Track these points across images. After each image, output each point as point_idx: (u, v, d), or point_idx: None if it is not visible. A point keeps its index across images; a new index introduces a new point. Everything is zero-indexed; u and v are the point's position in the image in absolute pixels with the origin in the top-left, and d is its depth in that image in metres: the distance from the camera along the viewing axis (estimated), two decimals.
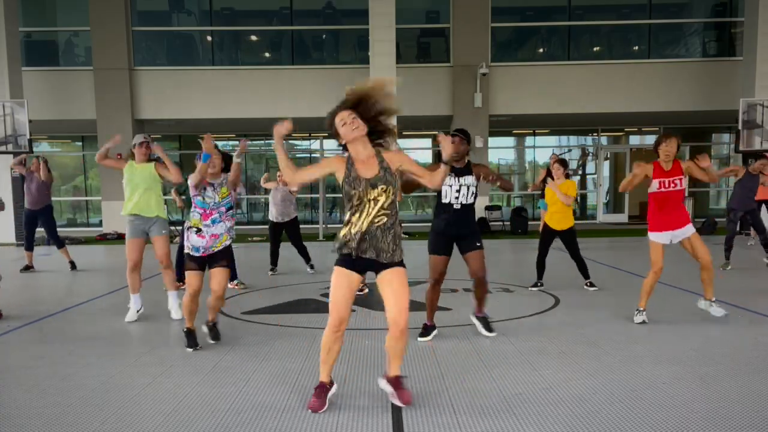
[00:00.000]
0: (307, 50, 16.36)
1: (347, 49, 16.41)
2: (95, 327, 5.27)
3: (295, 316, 5.60)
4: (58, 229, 9.06)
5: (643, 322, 5.04)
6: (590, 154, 17.86)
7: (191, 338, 4.46)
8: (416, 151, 18.30)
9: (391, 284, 3.14)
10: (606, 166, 18.20)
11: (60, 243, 8.97)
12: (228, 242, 4.51)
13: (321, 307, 6.04)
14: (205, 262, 4.47)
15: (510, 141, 18.79)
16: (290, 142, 19.17)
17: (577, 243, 6.76)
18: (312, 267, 8.29)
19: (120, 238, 14.53)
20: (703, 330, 4.84)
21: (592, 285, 6.74)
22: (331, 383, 3.31)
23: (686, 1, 16.60)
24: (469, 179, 4.53)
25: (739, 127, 13.34)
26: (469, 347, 4.42)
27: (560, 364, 3.98)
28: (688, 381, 3.59)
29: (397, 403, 3.22)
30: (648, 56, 15.46)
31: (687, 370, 3.80)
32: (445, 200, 4.54)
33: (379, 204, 3.11)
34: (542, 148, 18.69)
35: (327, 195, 15.62)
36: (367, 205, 3.10)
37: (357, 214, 3.12)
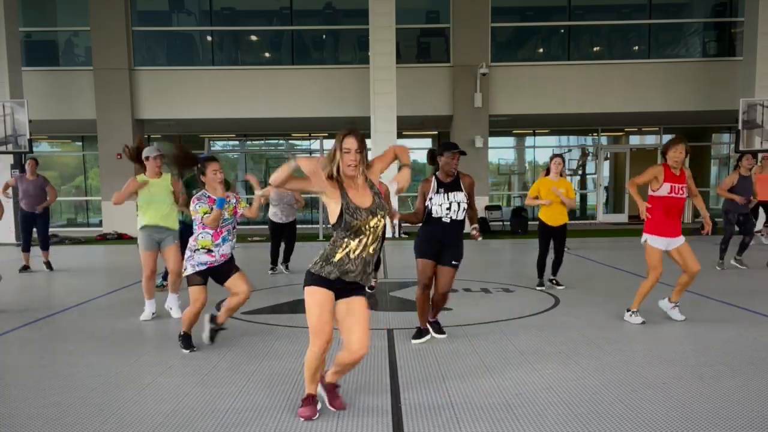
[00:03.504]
0: (307, 50, 16.36)
1: (347, 49, 16.40)
2: (95, 327, 5.27)
3: (294, 316, 5.59)
4: (58, 230, 9.09)
5: (643, 322, 5.04)
6: (590, 154, 17.86)
7: (189, 341, 4.47)
8: (416, 150, 18.28)
9: (354, 313, 3.06)
10: (606, 166, 18.20)
11: (46, 245, 9.11)
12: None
13: None
14: (207, 275, 4.41)
15: (510, 141, 18.80)
16: (290, 141, 19.18)
17: (565, 240, 6.85)
18: (287, 268, 8.50)
19: (120, 238, 14.53)
20: (703, 330, 4.84)
21: (558, 284, 6.84)
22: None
23: (686, 1, 16.60)
24: (460, 195, 4.43)
25: (739, 127, 13.35)
26: (469, 347, 4.42)
27: (560, 364, 3.98)
28: (688, 381, 3.59)
29: (329, 407, 3.22)
30: (648, 56, 15.46)
31: (687, 370, 3.81)
32: (435, 216, 4.45)
33: (378, 231, 3.10)
34: (542, 148, 18.70)
35: None
36: (367, 233, 3.06)
37: (356, 240, 3.03)
